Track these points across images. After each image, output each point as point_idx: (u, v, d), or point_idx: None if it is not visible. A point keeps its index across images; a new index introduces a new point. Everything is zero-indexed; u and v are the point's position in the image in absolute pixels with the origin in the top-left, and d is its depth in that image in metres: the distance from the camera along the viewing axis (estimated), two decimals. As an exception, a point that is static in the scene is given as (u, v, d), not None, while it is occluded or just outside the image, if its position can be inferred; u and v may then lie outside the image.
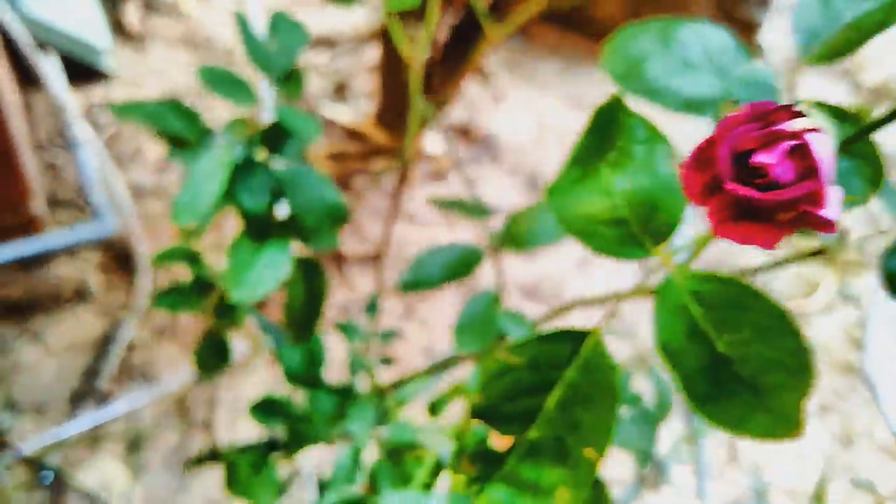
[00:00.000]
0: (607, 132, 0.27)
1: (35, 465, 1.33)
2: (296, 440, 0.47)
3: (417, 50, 0.78)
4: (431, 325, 1.69)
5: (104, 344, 1.54)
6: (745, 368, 0.25)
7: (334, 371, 1.51)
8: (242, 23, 0.47)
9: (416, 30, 1.55)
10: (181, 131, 0.54)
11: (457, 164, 1.96)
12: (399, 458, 0.45)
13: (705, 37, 0.33)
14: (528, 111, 2.15)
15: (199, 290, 0.70)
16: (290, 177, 0.49)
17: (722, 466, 1.62)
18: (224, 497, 1.36)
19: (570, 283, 1.80)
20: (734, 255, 1.94)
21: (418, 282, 0.46)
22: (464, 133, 2.02)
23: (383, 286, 1.64)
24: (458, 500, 0.36)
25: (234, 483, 0.42)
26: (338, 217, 0.49)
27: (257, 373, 1.55)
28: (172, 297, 0.68)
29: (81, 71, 1.91)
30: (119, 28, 2.05)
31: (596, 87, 2.28)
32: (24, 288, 1.53)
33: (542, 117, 2.14)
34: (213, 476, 1.40)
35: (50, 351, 1.51)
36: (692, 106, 0.32)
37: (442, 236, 1.82)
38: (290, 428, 0.48)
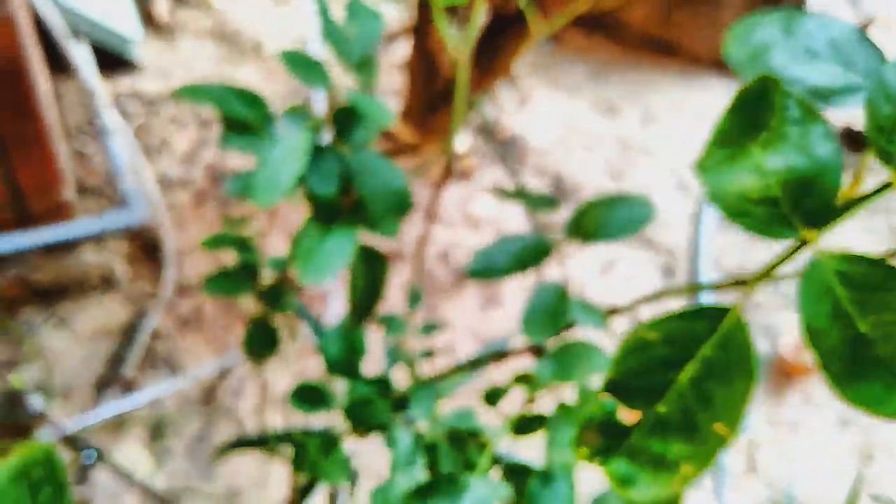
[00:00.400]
0: (756, 112, 0.27)
1: (73, 444, 1.34)
2: (362, 424, 0.47)
3: (461, 47, 0.78)
4: (453, 326, 1.70)
5: (129, 332, 1.55)
6: (886, 349, 0.25)
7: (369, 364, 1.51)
8: (323, 9, 0.48)
9: (454, 28, 1.55)
10: (245, 116, 0.55)
11: (482, 164, 1.97)
12: (462, 444, 0.46)
13: (830, 28, 0.33)
14: (555, 114, 2.15)
15: (248, 275, 0.71)
16: (358, 163, 0.50)
17: (740, 477, 1.61)
18: (246, 484, 1.37)
19: (592, 286, 1.80)
20: (751, 255, 1.94)
21: (486, 270, 0.47)
22: (489, 134, 2.02)
23: (422, 281, 1.65)
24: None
25: (302, 463, 0.43)
26: (404, 205, 0.50)
27: (284, 363, 1.56)
28: (222, 282, 0.69)
29: (110, 60, 1.93)
30: (149, 19, 2.07)
31: (624, 93, 2.29)
32: (53, 274, 1.55)
33: (568, 121, 2.14)
34: (235, 464, 1.41)
35: (76, 337, 1.52)
36: (817, 94, 0.32)
37: (464, 237, 1.83)
38: (352, 413, 0.49)
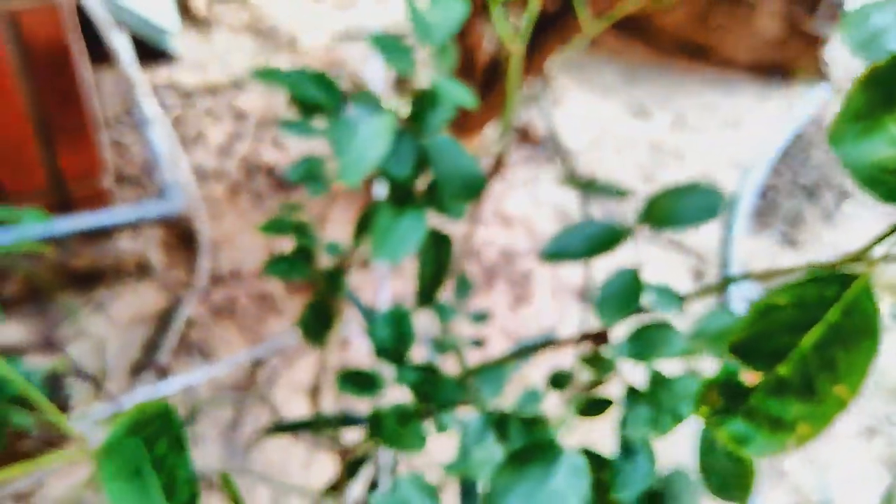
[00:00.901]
0: (890, 87, 0.28)
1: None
2: (432, 401, 0.48)
3: (516, 41, 0.79)
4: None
5: (164, 319, 1.57)
6: None
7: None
8: (410, -6, 0.49)
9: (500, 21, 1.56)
10: (318, 98, 0.56)
11: (514, 163, 1.98)
12: (531, 424, 0.46)
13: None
14: (588, 115, 2.16)
15: (305, 259, 0.72)
16: (434, 146, 0.51)
17: (767, 484, 1.61)
18: (276, 472, 1.38)
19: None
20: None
21: (560, 253, 0.48)
22: (522, 133, 2.03)
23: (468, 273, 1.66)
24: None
25: (381, 434, 0.44)
26: (476, 188, 0.51)
27: (312, 353, 1.57)
28: (282, 265, 0.70)
29: (148, 51, 1.95)
30: (186, 12, 2.10)
31: (655, 96, 2.29)
32: (90, 260, 1.57)
33: (601, 122, 2.14)
34: (266, 450, 1.43)
35: (113, 322, 1.55)
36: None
37: (496, 235, 1.83)
38: (423, 392, 0.50)
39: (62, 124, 1.40)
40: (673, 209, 0.47)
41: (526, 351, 0.59)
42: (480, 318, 0.79)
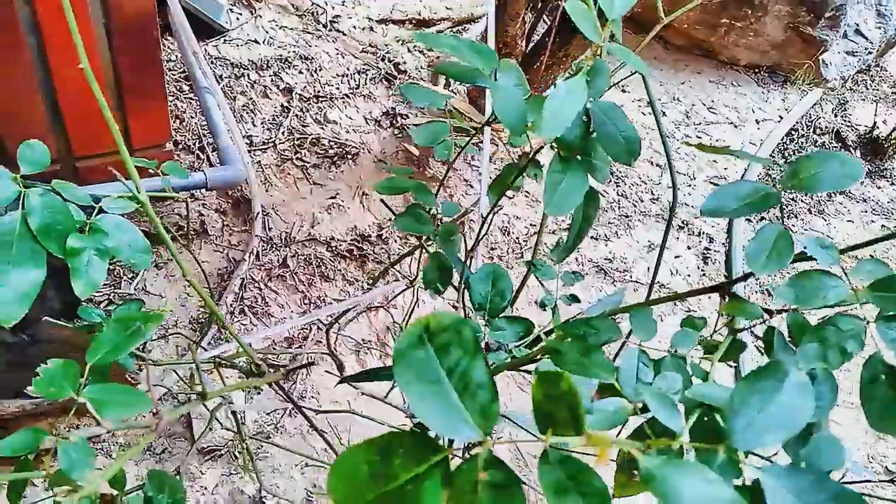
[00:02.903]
0: None
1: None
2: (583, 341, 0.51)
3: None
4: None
5: (221, 280, 1.58)
6: None
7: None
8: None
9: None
10: (477, 64, 0.59)
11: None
12: (679, 361, 0.50)
13: None
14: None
15: (429, 216, 0.74)
16: (599, 109, 0.54)
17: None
18: (315, 430, 1.41)
19: (637, 265, 1.85)
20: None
21: (718, 210, 0.51)
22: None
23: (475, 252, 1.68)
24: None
25: (563, 363, 0.47)
26: (634, 151, 0.54)
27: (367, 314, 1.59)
28: (408, 220, 0.72)
29: (200, 25, 1.94)
30: (232, -10, 2.08)
31: (669, 93, 2.33)
32: (150, 222, 1.57)
33: (618, 110, 2.17)
34: (312, 405, 1.45)
35: (173, 281, 1.55)
36: None
37: (523, 212, 1.86)
38: (572, 331, 0.53)
39: (136, 89, 1.39)
40: (816, 175, 0.50)
41: (661, 300, 0.62)
42: (573, 277, 0.82)
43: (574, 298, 0.82)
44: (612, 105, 0.54)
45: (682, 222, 1.97)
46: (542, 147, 0.61)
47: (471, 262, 0.84)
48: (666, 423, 0.38)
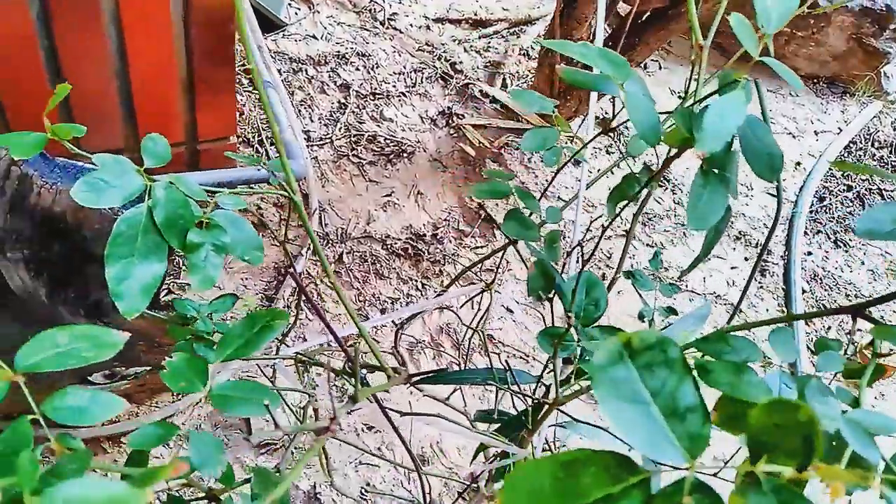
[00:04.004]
0: None
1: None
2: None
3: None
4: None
5: (277, 274, 1.59)
6: None
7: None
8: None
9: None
10: (607, 71, 0.58)
11: (593, 150, 1.99)
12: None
13: None
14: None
15: (533, 221, 0.74)
16: (745, 124, 0.53)
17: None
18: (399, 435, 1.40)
19: (692, 274, 1.82)
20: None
21: (873, 231, 0.49)
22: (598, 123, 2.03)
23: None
24: None
25: (715, 383, 0.46)
26: (777, 167, 0.53)
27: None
28: (514, 224, 0.72)
29: (258, 20, 1.95)
30: (291, -16, 2.09)
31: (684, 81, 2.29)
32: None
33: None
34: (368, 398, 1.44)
35: (230, 273, 1.56)
36: None
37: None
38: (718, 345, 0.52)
39: (207, 82, 1.40)
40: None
41: (778, 320, 0.60)
42: (673, 288, 0.81)
43: (671, 311, 0.80)
44: (757, 119, 0.53)
45: (739, 233, 1.94)
46: (671, 160, 0.59)
47: (563, 269, 0.83)
48: (863, 454, 0.36)
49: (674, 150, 0.56)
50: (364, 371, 0.87)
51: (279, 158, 0.64)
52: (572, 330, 0.77)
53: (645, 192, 0.67)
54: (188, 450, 0.52)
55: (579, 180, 1.80)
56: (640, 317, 0.79)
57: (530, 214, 0.76)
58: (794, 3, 0.50)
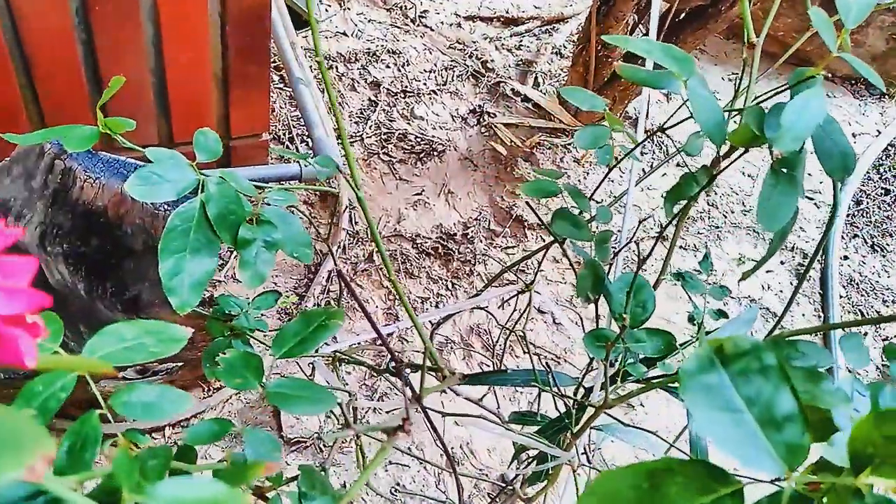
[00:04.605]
0: None
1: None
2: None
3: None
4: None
5: (308, 271, 1.59)
6: None
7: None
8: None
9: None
10: (672, 68, 0.56)
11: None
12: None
13: None
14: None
15: (583, 221, 0.72)
16: (820, 126, 0.51)
17: None
18: (438, 437, 1.40)
19: (726, 277, 1.80)
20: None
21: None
22: (634, 124, 2.01)
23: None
24: None
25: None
26: (849, 167, 0.51)
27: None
28: (565, 224, 0.70)
29: (291, 17, 1.95)
30: (322, -18, 2.09)
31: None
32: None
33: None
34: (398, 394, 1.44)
35: (262, 270, 1.56)
36: None
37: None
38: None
39: (242, 79, 1.40)
40: None
41: (857, 322, 0.59)
42: (724, 290, 0.79)
43: (722, 314, 0.79)
44: (831, 119, 0.52)
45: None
46: (725, 158, 0.58)
47: (610, 271, 0.82)
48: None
49: (722, 151, 0.55)
50: (408, 371, 0.86)
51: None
52: (616, 332, 0.76)
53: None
54: (242, 447, 0.51)
55: (623, 176, 1.78)
56: (690, 319, 0.78)
57: (580, 213, 0.75)
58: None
